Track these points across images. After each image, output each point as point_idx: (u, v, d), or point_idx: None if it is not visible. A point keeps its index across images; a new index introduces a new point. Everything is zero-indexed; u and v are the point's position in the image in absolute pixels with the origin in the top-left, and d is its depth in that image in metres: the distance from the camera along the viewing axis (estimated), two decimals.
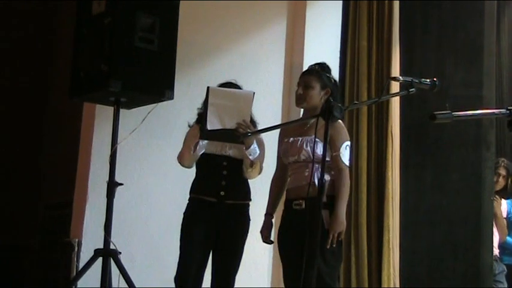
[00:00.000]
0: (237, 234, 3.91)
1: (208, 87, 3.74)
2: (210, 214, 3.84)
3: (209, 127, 3.68)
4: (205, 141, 3.84)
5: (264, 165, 3.96)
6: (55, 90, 5.93)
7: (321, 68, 3.72)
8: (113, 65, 3.57)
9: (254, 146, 3.78)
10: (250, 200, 3.98)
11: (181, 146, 3.98)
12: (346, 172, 3.59)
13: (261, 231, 3.78)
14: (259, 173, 3.94)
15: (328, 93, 3.67)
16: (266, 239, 3.77)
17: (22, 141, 6.10)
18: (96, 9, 3.72)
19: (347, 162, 3.60)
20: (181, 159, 3.93)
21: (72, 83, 3.85)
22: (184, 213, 3.94)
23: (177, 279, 3.83)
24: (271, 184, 3.85)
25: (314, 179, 3.42)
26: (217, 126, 3.68)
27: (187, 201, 3.98)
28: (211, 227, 3.85)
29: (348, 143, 3.62)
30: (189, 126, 4.04)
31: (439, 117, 2.60)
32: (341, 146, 3.57)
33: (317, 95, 3.65)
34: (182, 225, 3.91)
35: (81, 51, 3.83)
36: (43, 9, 6.23)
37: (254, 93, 3.77)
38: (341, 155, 3.56)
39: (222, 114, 3.69)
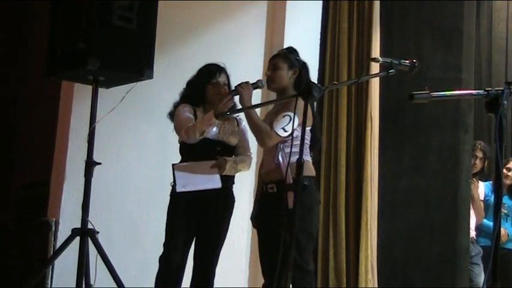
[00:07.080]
0: (223, 215, 3.94)
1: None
2: (198, 197, 3.83)
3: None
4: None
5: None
6: (32, 69, 5.84)
7: (288, 51, 3.78)
8: (91, 43, 3.52)
9: (229, 166, 3.84)
10: (234, 182, 4.00)
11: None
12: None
13: (251, 218, 3.82)
14: (250, 165, 4.01)
15: (296, 74, 3.71)
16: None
17: None
18: None
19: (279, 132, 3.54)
20: (189, 135, 3.79)
21: (49, 61, 3.79)
22: (170, 195, 3.92)
23: (162, 259, 3.84)
24: (258, 171, 3.88)
25: (278, 160, 3.49)
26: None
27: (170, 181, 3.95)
28: (198, 209, 3.86)
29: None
30: (174, 106, 3.99)
31: (417, 97, 2.61)
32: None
33: (285, 75, 3.69)
34: (169, 207, 3.91)
35: (58, 28, 3.77)
36: None
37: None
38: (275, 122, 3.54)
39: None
